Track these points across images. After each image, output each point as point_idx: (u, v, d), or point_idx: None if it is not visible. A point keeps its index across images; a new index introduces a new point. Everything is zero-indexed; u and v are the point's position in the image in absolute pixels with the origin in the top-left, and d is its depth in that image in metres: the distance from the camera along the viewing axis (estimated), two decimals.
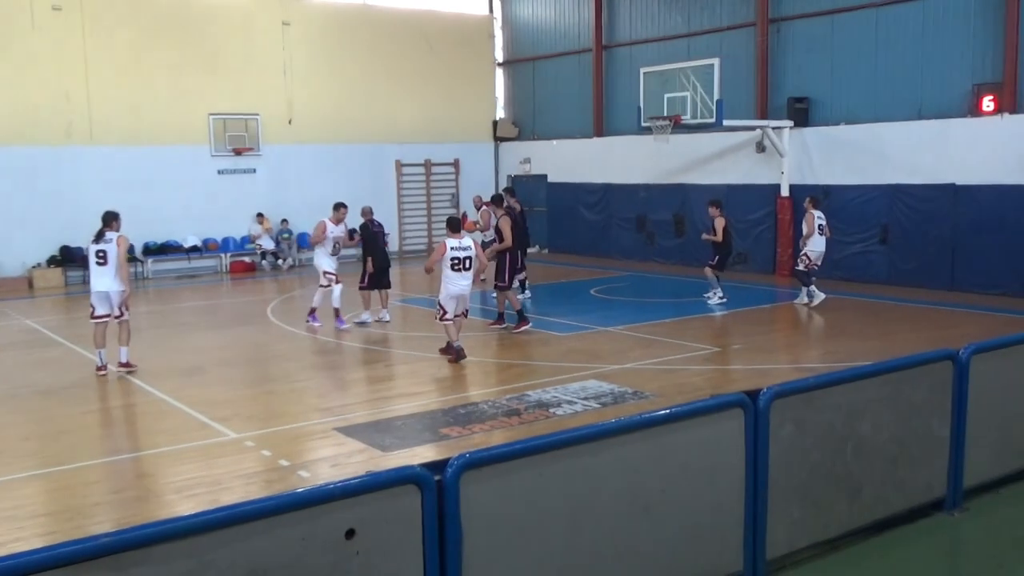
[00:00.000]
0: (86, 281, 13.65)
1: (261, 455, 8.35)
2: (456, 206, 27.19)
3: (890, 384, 5.89)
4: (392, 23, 25.93)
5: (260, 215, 23.77)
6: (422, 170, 26.80)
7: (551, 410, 9.56)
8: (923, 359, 6.22)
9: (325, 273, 14.61)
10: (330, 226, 14.61)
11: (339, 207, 14.93)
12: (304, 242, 24.73)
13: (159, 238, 22.63)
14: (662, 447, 4.80)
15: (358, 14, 25.46)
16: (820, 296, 15.72)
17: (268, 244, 23.78)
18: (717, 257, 16.24)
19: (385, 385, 11.21)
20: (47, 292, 20.29)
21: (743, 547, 5.11)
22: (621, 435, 4.67)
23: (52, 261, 21.39)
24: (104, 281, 11.50)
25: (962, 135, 17.21)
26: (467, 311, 12.49)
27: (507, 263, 14.18)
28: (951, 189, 17.25)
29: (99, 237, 11.51)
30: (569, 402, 9.85)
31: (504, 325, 14.13)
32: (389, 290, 15.36)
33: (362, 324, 14.81)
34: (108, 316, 11.61)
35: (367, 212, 15.50)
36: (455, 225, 12.08)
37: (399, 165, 26.29)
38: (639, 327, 14.22)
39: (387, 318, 15.05)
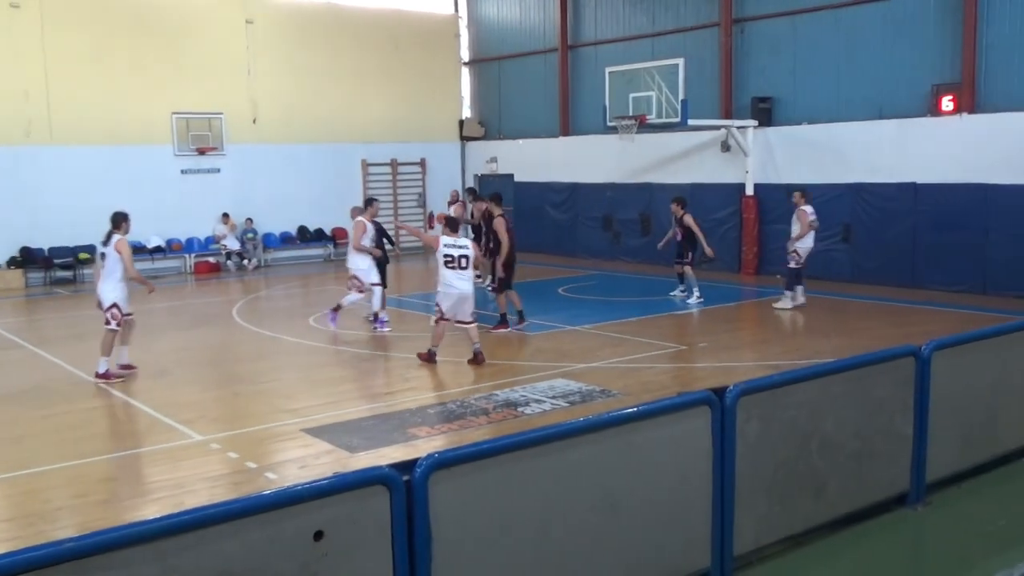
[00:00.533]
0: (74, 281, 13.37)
1: (228, 457, 8.28)
2: (423, 205, 27.16)
3: (854, 381, 5.96)
4: (357, 22, 25.81)
5: (225, 215, 23.57)
6: (388, 170, 26.71)
7: (519, 409, 9.57)
8: (886, 356, 6.30)
9: (355, 278, 14.12)
10: (369, 226, 14.15)
11: (371, 202, 14.71)
12: (271, 242, 24.61)
13: None
14: (630, 445, 4.83)
15: (323, 12, 25.31)
16: (801, 299, 15.59)
17: (233, 244, 23.57)
18: (691, 254, 16.22)
19: (353, 385, 11.16)
20: (7, 294, 19.96)
21: (710, 544, 5.15)
22: (589, 434, 4.69)
23: (12, 262, 21.05)
24: (102, 286, 11.17)
25: (922, 135, 17.46)
26: (475, 318, 11.98)
27: (502, 265, 13.96)
28: (912, 188, 17.50)
29: (106, 240, 11.15)
30: (537, 401, 9.87)
31: (508, 328, 13.84)
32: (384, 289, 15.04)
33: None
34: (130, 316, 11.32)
35: (359, 212, 15.37)
36: (454, 225, 11.97)
37: (365, 165, 26.18)
38: (606, 326, 14.27)
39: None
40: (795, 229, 15.42)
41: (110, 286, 11.11)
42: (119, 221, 11.16)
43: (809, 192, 16.17)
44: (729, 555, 5.23)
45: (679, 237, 16.38)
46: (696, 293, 16.18)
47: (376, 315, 14.19)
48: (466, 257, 11.49)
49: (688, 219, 16.13)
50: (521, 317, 14.12)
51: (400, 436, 8.75)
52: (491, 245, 14.19)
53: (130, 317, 11.39)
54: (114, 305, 11.08)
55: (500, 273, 14.11)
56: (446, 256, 11.46)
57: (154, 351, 13.33)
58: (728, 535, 5.20)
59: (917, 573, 5.85)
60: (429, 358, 11.71)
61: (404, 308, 17.24)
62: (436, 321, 11.77)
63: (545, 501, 4.48)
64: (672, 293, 16.76)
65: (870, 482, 6.10)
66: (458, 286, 11.49)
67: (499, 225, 14.14)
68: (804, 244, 15.37)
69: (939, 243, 17.11)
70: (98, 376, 11.16)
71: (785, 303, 15.56)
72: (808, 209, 15.36)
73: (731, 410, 5.13)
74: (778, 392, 5.52)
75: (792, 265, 15.55)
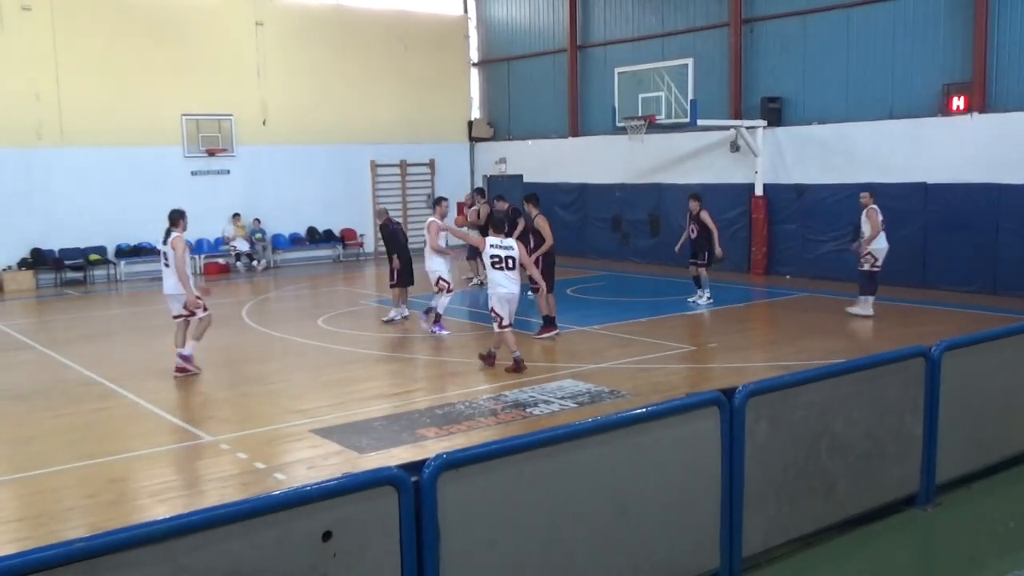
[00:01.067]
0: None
1: (237, 458, 8.29)
2: (432, 207, 27.11)
3: (863, 381, 5.95)
4: (366, 23, 25.85)
5: (236, 216, 23.62)
6: (397, 171, 26.74)
7: (528, 410, 9.57)
8: (896, 356, 6.28)
9: (441, 279, 13.88)
10: (437, 222, 13.99)
11: (441, 201, 14.53)
12: (280, 243, 24.66)
13: (132, 240, 22.44)
14: (639, 446, 4.82)
15: (332, 14, 25.35)
16: (869, 310, 14.62)
17: (243, 246, 23.63)
18: (707, 254, 15.84)
19: (362, 386, 11.17)
20: (18, 295, 20.06)
21: (719, 544, 5.14)
22: (598, 434, 4.69)
23: (23, 263, 21.14)
24: (168, 283, 11.45)
25: (932, 134, 17.39)
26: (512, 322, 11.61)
27: (543, 263, 13.35)
28: (922, 188, 17.43)
29: (165, 238, 11.41)
30: (546, 402, 9.86)
31: (555, 332, 13.43)
32: (409, 287, 15.15)
33: (390, 321, 14.84)
34: (182, 316, 11.50)
35: (383, 213, 15.60)
36: (499, 225, 11.71)
37: (374, 166, 26.21)
38: (615, 326, 14.26)
39: (406, 314, 14.99)
40: (866, 230, 14.54)
41: (180, 282, 11.30)
42: (176, 219, 11.41)
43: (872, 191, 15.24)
44: (738, 556, 5.22)
45: (694, 235, 16.04)
46: (707, 294, 16.07)
47: (433, 314, 13.83)
48: (512, 258, 11.21)
49: (705, 215, 15.82)
50: (553, 323, 13.64)
51: (409, 437, 8.75)
52: (531, 246, 13.71)
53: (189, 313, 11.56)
54: (196, 297, 11.44)
55: (540, 273, 13.24)
56: (493, 257, 11.22)
57: (163, 352, 13.37)
58: (737, 536, 5.19)
59: (927, 574, 5.83)
60: (517, 368, 11.22)
61: (414, 309, 17.26)
62: (499, 326, 11.32)
63: (554, 502, 4.48)
64: (690, 300, 16.27)
65: (880, 483, 6.09)
66: (507, 286, 11.24)
67: (543, 224, 13.64)
68: (879, 245, 14.49)
69: (949, 243, 17.04)
70: (182, 360, 11.41)
71: (864, 308, 14.65)
72: (877, 208, 14.49)
73: (740, 411, 5.13)
74: (788, 393, 5.52)
75: (866, 268, 14.62)
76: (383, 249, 15.73)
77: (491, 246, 11.29)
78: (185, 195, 22.92)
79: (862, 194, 15.00)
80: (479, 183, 27.57)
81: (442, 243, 13.97)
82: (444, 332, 13.75)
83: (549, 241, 13.55)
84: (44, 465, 8.23)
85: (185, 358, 11.45)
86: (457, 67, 27.95)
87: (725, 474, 5.12)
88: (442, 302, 13.87)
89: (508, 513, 4.31)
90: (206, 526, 3.45)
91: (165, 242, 11.38)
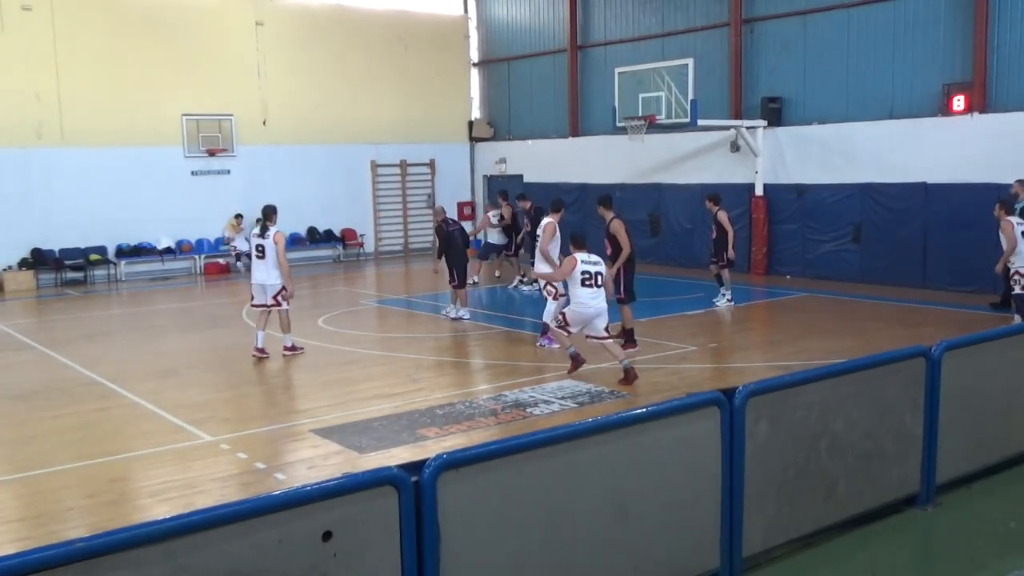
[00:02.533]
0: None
1: (237, 458, 8.30)
2: (432, 206, 27.17)
3: (863, 381, 5.95)
4: (367, 23, 25.84)
5: (239, 216, 23.60)
6: (397, 171, 26.73)
7: (528, 410, 9.57)
8: (896, 356, 6.28)
9: (549, 285, 12.89)
10: (555, 224, 13.20)
11: (561, 205, 13.91)
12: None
13: (132, 240, 22.44)
14: (639, 446, 4.82)
15: (332, 14, 25.35)
16: None
17: (243, 246, 23.60)
18: (725, 255, 15.62)
19: (362, 386, 11.17)
20: (18, 295, 20.06)
21: (719, 545, 5.14)
22: (598, 434, 4.69)
23: (23, 264, 21.14)
24: (259, 274, 12.34)
25: (933, 134, 17.39)
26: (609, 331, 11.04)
27: (624, 273, 12.63)
28: (922, 188, 17.42)
29: (262, 231, 12.26)
30: (546, 402, 9.86)
31: (636, 347, 12.35)
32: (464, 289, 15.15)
33: (458, 319, 14.95)
34: (264, 305, 12.39)
35: (440, 212, 15.65)
36: (580, 241, 10.92)
37: (374, 166, 26.21)
38: (615, 326, 14.22)
39: (467, 316, 15.02)
40: (1006, 245, 12.65)
41: (275, 273, 12.23)
42: (270, 214, 12.35)
43: (1009, 202, 13.61)
44: (738, 556, 5.22)
45: (713, 235, 16.01)
46: (727, 295, 16.03)
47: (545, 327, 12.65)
48: (600, 274, 10.70)
49: (722, 216, 15.71)
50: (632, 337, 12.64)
51: (409, 437, 8.76)
52: (608, 254, 12.70)
53: (264, 307, 12.44)
54: (283, 288, 12.29)
55: (624, 286, 12.63)
56: (584, 274, 10.55)
57: (163, 352, 13.39)
58: (737, 536, 5.19)
59: (927, 574, 5.83)
60: (573, 361, 10.87)
61: (414, 309, 17.28)
62: (562, 328, 10.86)
63: (554, 502, 4.48)
64: (715, 301, 16.08)
65: (880, 483, 6.09)
66: (593, 305, 10.56)
67: (619, 228, 12.71)
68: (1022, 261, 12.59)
69: (949, 243, 17.03)
70: (286, 350, 12.51)
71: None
72: (1014, 220, 12.70)
73: (740, 411, 5.13)
74: (788, 393, 5.51)
75: (1017, 291, 12.65)
76: (420, 246, 15.67)
77: (582, 262, 10.59)
78: (185, 195, 23.06)
79: (996, 206, 13.09)
80: (480, 183, 27.62)
81: (554, 250, 13.11)
82: (554, 345, 12.36)
83: (627, 249, 12.59)
84: (44, 465, 8.24)
85: (289, 348, 12.56)
86: (457, 67, 27.94)
87: (725, 474, 5.11)
88: (549, 310, 12.64)
89: (508, 513, 4.31)
90: (206, 526, 3.45)
91: (263, 236, 12.23)
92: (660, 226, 22.35)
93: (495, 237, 19.05)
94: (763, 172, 20.11)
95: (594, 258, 10.81)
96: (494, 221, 19.00)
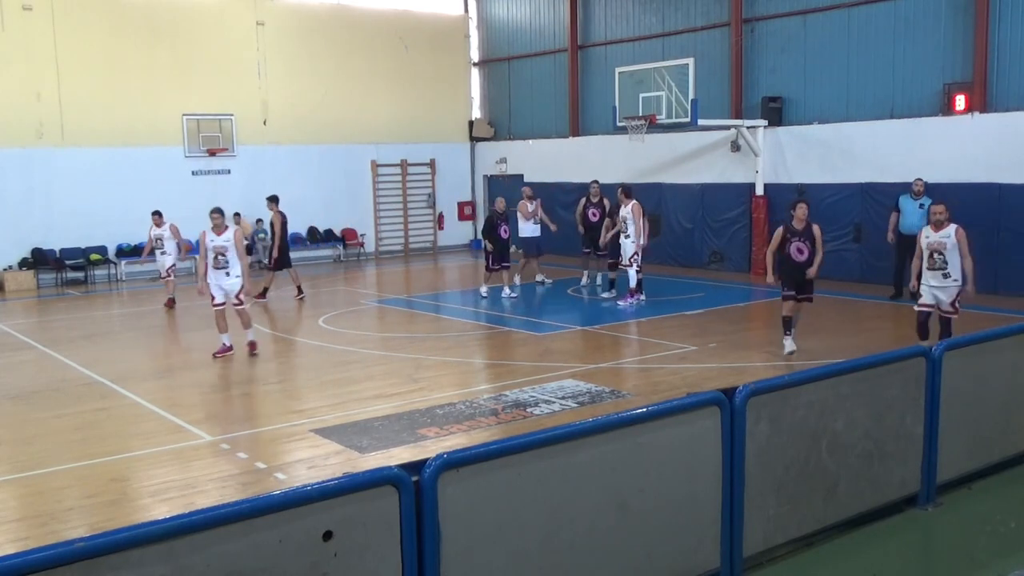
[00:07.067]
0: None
1: (237, 458, 8.30)
2: (432, 206, 27.21)
3: (864, 381, 5.94)
4: (367, 23, 25.84)
5: (237, 215, 23.57)
6: (398, 170, 26.73)
7: (529, 410, 9.57)
8: (896, 356, 6.28)
9: (633, 255, 16.01)
10: (640, 207, 16.04)
11: (630, 189, 16.39)
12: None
13: (132, 240, 22.41)
14: (639, 446, 4.82)
15: (332, 14, 25.35)
16: None
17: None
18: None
19: (362, 386, 11.17)
20: (19, 295, 20.06)
21: (720, 544, 5.14)
22: (598, 434, 4.69)
23: (24, 263, 21.15)
24: (220, 275, 12.69)
25: (933, 134, 17.38)
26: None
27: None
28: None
29: (221, 231, 12.64)
30: (547, 401, 9.86)
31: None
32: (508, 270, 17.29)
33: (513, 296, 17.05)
34: (224, 304, 12.70)
35: (501, 203, 17.51)
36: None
37: (375, 165, 26.21)
38: (616, 326, 14.26)
39: (515, 293, 17.41)
40: None
41: (236, 271, 12.66)
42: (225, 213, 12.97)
43: None
44: (739, 556, 5.22)
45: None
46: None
47: (630, 291, 16.04)
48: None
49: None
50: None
51: (409, 436, 8.75)
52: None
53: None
54: (243, 287, 12.77)
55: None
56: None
57: (163, 352, 13.39)
58: (738, 536, 5.19)
59: (927, 574, 5.83)
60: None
61: (415, 309, 17.28)
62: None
63: (554, 502, 4.48)
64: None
65: (880, 483, 6.08)
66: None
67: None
68: None
69: None
70: (250, 346, 12.83)
71: None
72: None
73: (741, 411, 5.12)
74: (788, 392, 5.51)
75: None
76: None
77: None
78: (186, 195, 23.02)
79: None
80: (480, 183, 27.62)
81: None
82: (631, 305, 15.90)
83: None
84: (45, 465, 8.24)
85: (251, 343, 12.90)
86: (458, 67, 27.94)
87: (726, 474, 5.11)
88: (632, 275, 16.05)
89: (508, 513, 4.31)
90: (206, 526, 3.45)
91: (222, 235, 12.57)
92: (660, 226, 22.32)
93: (529, 230, 18.96)
94: (763, 172, 20.10)
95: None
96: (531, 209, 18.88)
